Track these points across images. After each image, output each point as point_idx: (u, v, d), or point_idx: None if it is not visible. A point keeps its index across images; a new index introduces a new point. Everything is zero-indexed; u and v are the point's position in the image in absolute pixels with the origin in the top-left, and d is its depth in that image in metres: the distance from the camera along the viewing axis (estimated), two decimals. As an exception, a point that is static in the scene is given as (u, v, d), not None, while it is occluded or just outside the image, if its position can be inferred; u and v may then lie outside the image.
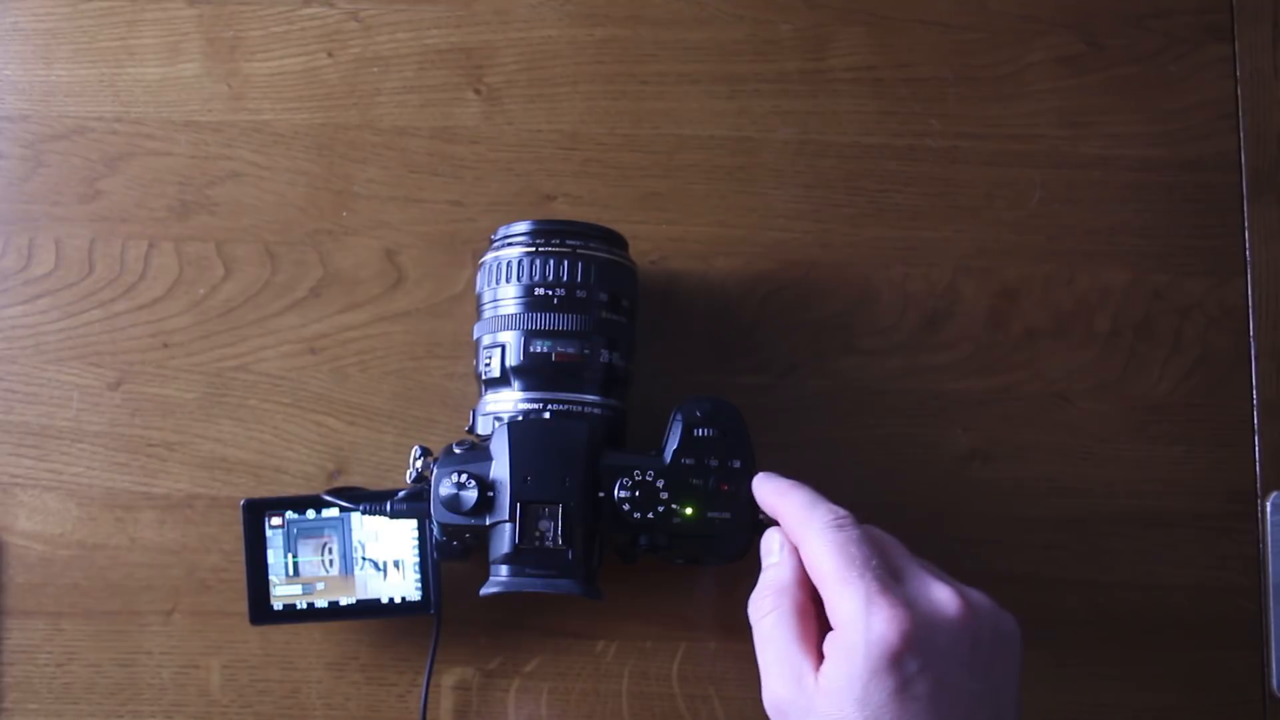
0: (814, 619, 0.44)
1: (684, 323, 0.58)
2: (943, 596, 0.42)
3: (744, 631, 0.56)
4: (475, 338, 0.52)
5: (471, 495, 0.47)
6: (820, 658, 0.42)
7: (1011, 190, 0.59)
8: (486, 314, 0.51)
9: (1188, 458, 0.58)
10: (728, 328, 0.58)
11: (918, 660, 0.40)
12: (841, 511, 0.45)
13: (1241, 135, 0.60)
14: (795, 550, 0.46)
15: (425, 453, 0.50)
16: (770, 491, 0.48)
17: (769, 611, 0.44)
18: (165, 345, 0.57)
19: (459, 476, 0.48)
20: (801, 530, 0.45)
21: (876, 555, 0.43)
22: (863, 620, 0.41)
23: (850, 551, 0.43)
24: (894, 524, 0.56)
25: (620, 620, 0.56)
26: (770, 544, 0.47)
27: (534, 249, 0.50)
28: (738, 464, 0.49)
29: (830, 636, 0.42)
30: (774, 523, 0.50)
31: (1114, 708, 0.56)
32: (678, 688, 0.55)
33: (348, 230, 0.58)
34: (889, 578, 0.42)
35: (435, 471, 0.48)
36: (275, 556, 0.53)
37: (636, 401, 0.53)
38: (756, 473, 0.49)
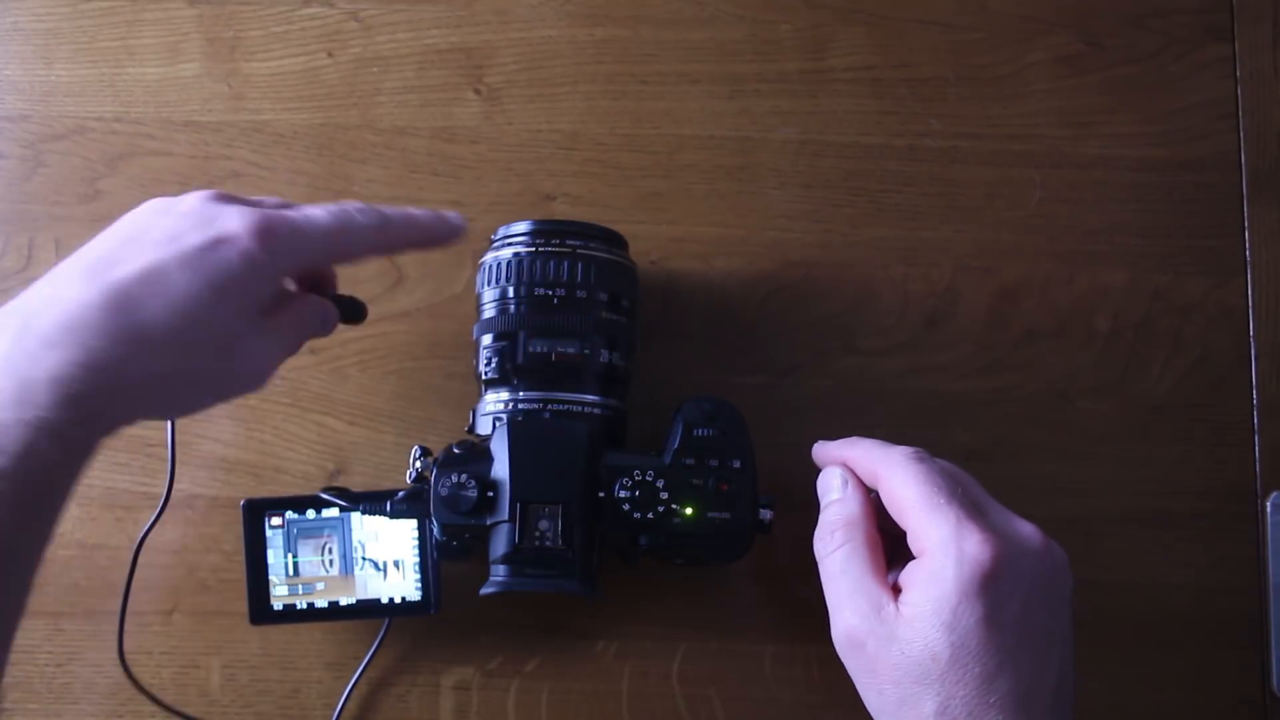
0: (883, 552, 0.45)
1: (684, 323, 0.58)
2: (1026, 530, 0.43)
3: (744, 631, 0.56)
4: (475, 338, 0.52)
5: (471, 495, 0.47)
6: (894, 590, 0.42)
7: (1011, 190, 0.59)
8: (486, 314, 0.51)
9: (1188, 458, 0.58)
10: (728, 328, 0.58)
11: (1006, 587, 0.41)
12: (918, 448, 0.46)
13: (1241, 135, 0.60)
14: (860, 485, 0.46)
15: (425, 453, 0.50)
16: (833, 446, 0.49)
17: (840, 545, 0.45)
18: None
19: (459, 476, 0.48)
20: (883, 464, 0.45)
21: (960, 485, 0.44)
22: (954, 543, 0.41)
23: (936, 480, 0.43)
24: (894, 524, 0.56)
25: (620, 620, 0.56)
26: (830, 481, 0.47)
27: (534, 249, 0.50)
28: (738, 464, 0.49)
29: (913, 565, 0.42)
30: (769, 529, 0.50)
31: (1114, 708, 0.56)
32: (678, 688, 0.55)
33: (348, 230, 0.58)
34: (974, 507, 0.43)
35: (435, 471, 0.48)
36: (275, 556, 0.53)
37: (636, 401, 0.53)
38: (755, 473, 0.49)
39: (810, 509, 0.55)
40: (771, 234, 0.59)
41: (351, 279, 0.58)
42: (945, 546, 0.41)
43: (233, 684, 0.55)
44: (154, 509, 0.56)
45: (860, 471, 0.47)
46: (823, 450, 0.50)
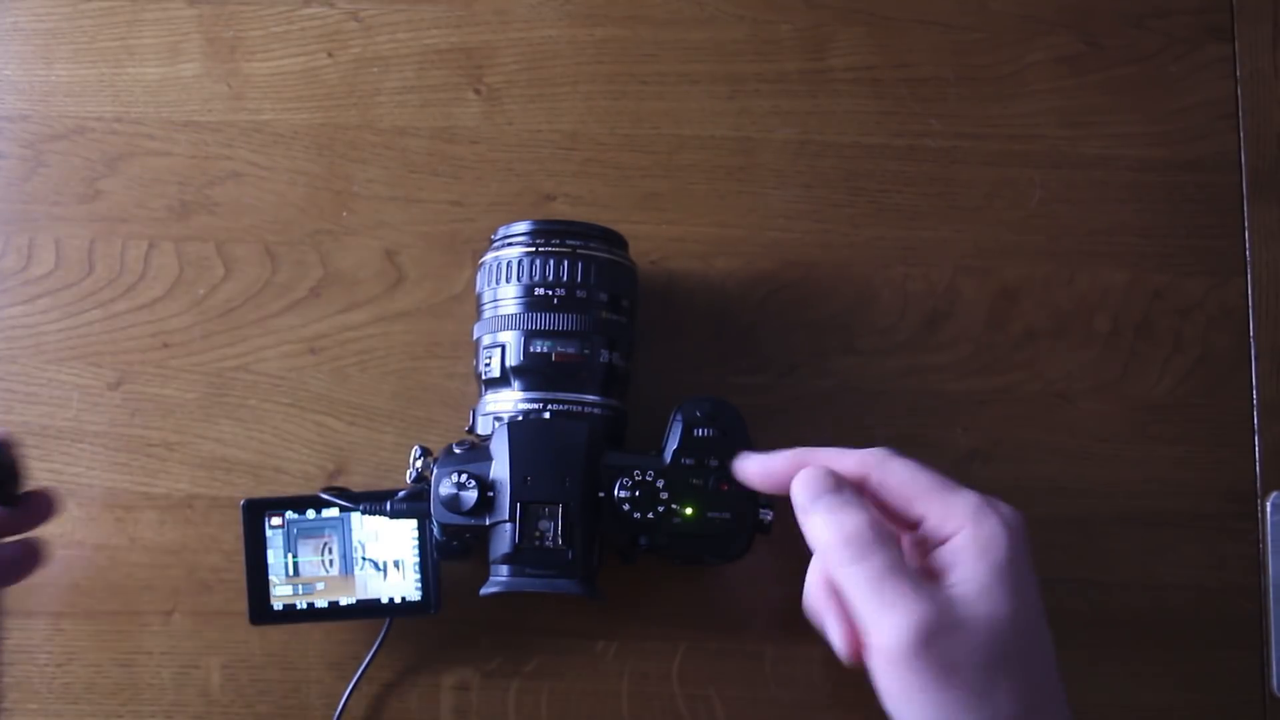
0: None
1: (684, 323, 0.58)
2: (1009, 509, 0.42)
3: (744, 631, 0.56)
4: (475, 338, 0.52)
5: (471, 495, 0.47)
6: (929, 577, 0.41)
7: (1011, 190, 0.59)
8: (486, 314, 0.51)
9: (1188, 458, 0.58)
10: (728, 328, 0.58)
11: (1029, 549, 0.41)
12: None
13: (1241, 135, 0.60)
14: (852, 484, 0.43)
15: (425, 453, 0.50)
16: (778, 457, 0.45)
17: (875, 551, 0.40)
18: (165, 345, 0.57)
19: (459, 476, 0.48)
20: (869, 461, 0.43)
21: None
22: (993, 513, 0.41)
23: (932, 468, 0.43)
24: (894, 524, 0.56)
25: (620, 620, 0.56)
26: (820, 484, 0.42)
27: (534, 249, 0.50)
28: (738, 464, 0.49)
29: (951, 545, 0.41)
30: (769, 529, 0.50)
31: (1114, 708, 0.56)
32: (678, 688, 0.55)
33: (348, 230, 0.58)
34: None
35: (435, 471, 0.48)
36: (275, 556, 0.53)
37: (636, 401, 0.53)
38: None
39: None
40: (771, 234, 0.59)
41: (351, 278, 0.58)
42: (985, 515, 0.41)
43: (233, 684, 0.55)
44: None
45: (851, 476, 0.44)
46: (765, 463, 0.46)
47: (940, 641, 0.38)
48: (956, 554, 0.41)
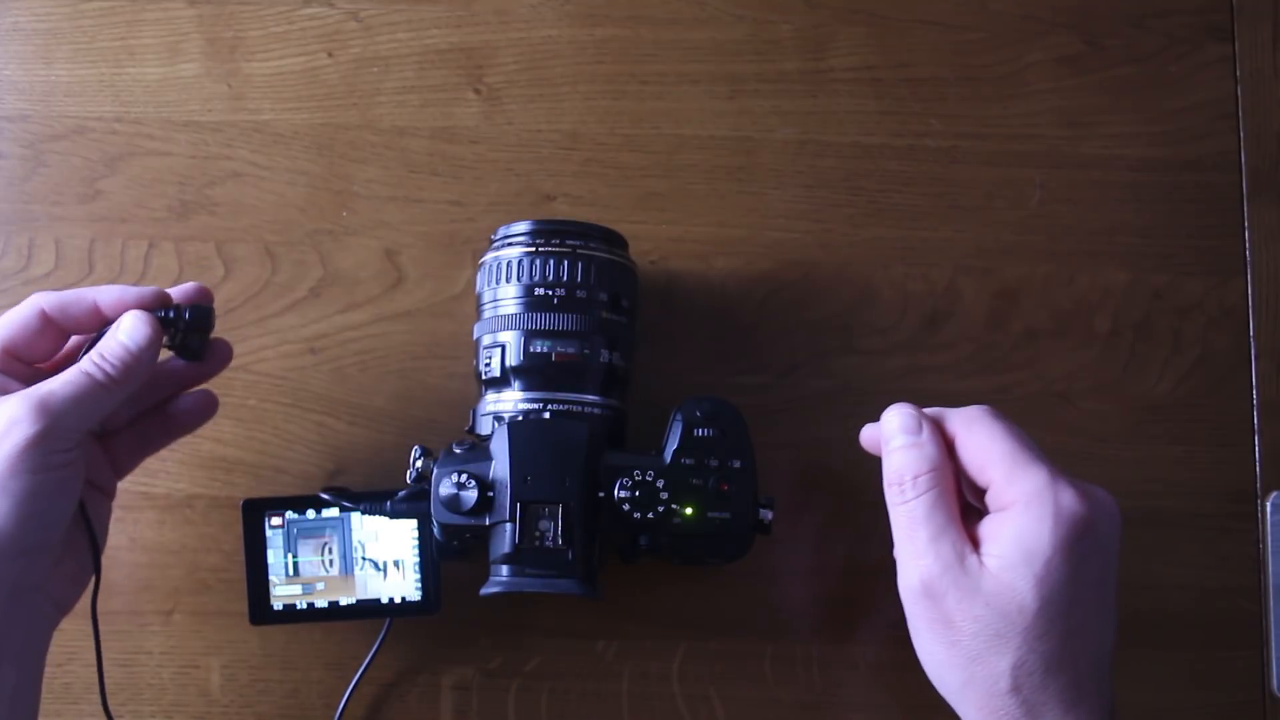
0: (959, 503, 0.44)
1: (684, 323, 0.58)
2: (1101, 493, 0.43)
3: (744, 631, 0.56)
4: (475, 338, 0.52)
5: (471, 495, 0.47)
6: (972, 541, 0.42)
7: (1011, 190, 0.59)
8: (486, 314, 0.51)
9: (1188, 458, 0.58)
10: (728, 328, 0.58)
11: (1090, 546, 0.41)
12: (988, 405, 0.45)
13: (1241, 135, 0.60)
14: (937, 429, 0.45)
15: (425, 453, 0.50)
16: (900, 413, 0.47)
17: (924, 491, 0.43)
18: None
19: (459, 476, 0.48)
20: (959, 420, 0.44)
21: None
22: (1050, 496, 0.41)
23: (1022, 436, 0.43)
24: (894, 524, 0.56)
25: (620, 620, 0.56)
26: (904, 421, 0.45)
27: (534, 249, 0.50)
28: (738, 464, 0.49)
29: (998, 516, 0.42)
30: (769, 529, 0.50)
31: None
32: (678, 688, 0.55)
33: (348, 230, 0.58)
34: (1056, 465, 0.43)
35: (435, 471, 0.48)
36: (275, 556, 0.53)
37: (636, 401, 0.53)
38: (755, 473, 0.49)
39: (809, 510, 0.55)
40: (771, 234, 0.59)
41: (351, 278, 0.58)
42: (1040, 499, 0.41)
43: (233, 684, 0.55)
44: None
45: (939, 426, 0.46)
46: (873, 427, 0.47)
47: (940, 597, 0.41)
48: (997, 526, 0.42)
